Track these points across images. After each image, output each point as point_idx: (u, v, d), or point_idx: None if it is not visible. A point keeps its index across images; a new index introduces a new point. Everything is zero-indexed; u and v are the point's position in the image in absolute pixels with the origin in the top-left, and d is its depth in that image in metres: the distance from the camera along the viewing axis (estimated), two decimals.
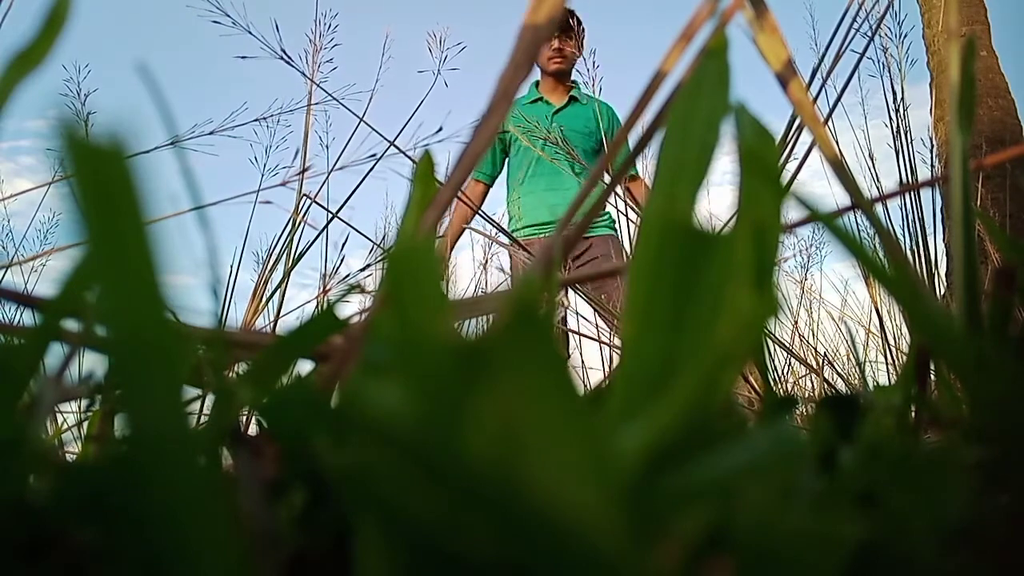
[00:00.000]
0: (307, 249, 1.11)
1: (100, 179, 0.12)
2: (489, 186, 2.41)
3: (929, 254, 1.34)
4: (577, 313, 1.71)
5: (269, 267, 1.07)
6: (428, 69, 1.35)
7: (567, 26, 2.31)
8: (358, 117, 1.15)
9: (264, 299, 1.03)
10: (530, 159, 2.32)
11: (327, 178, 1.14)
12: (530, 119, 2.04)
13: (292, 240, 1.09)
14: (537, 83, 2.45)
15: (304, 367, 0.27)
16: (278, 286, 1.05)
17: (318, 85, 1.24)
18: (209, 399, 0.27)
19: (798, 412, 0.32)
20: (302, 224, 1.10)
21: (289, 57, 1.22)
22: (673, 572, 0.13)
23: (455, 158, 0.29)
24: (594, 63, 2.03)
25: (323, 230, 1.11)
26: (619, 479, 0.13)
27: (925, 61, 2.97)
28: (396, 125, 1.16)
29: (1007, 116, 3.13)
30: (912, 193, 1.31)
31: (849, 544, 0.14)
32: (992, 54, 3.29)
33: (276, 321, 1.05)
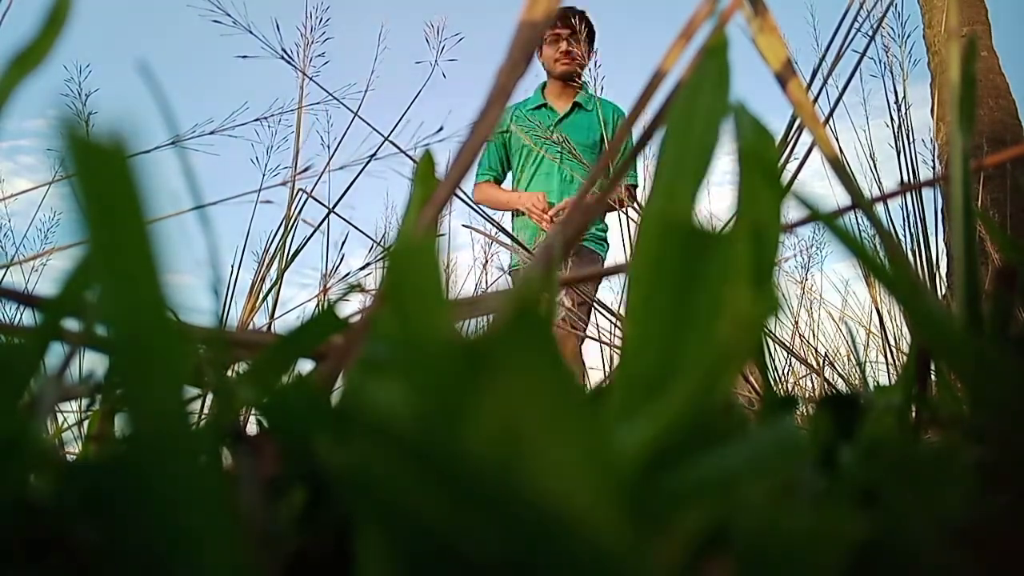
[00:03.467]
0: (303, 246, 1.11)
1: (101, 178, 0.12)
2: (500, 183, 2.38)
3: (929, 254, 1.34)
4: (577, 313, 1.71)
5: (265, 265, 1.07)
6: (426, 60, 1.35)
7: (574, 28, 2.25)
8: (353, 112, 1.15)
9: (260, 297, 1.03)
10: (532, 166, 2.28)
11: (321, 175, 1.14)
12: (530, 128, 1.99)
13: (287, 237, 1.09)
14: (544, 85, 2.37)
15: (304, 367, 0.27)
16: (274, 284, 1.05)
17: (312, 79, 1.23)
18: (209, 399, 0.27)
19: (798, 412, 0.32)
20: (297, 221, 1.10)
21: (289, 56, 1.22)
22: (673, 571, 0.13)
23: (454, 156, 0.29)
24: (596, 63, 2.02)
25: (319, 226, 1.11)
26: (619, 478, 0.13)
27: (926, 61, 2.97)
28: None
29: (1008, 116, 3.13)
30: (913, 193, 1.31)
31: (849, 543, 0.14)
32: (992, 54, 3.28)
33: (272, 319, 1.05)
